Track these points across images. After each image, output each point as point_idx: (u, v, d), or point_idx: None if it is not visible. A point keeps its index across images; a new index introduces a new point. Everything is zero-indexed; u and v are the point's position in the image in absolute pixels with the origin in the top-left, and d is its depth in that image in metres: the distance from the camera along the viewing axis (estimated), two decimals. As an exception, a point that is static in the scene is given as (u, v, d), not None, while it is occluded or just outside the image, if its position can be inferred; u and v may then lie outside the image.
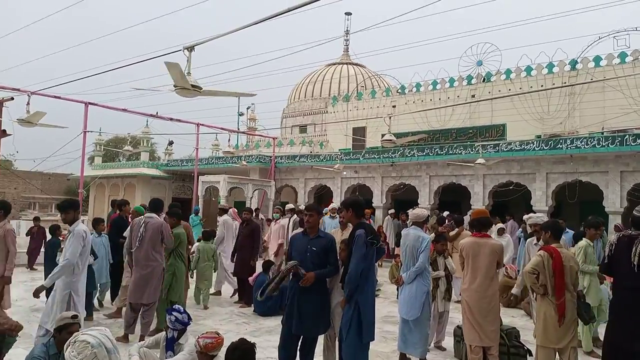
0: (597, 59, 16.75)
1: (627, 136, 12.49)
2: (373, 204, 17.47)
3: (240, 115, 32.73)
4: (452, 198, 17.44)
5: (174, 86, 5.15)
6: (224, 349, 3.63)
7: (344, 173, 18.11)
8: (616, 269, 4.39)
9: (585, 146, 13.04)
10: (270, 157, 19.99)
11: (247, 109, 32.70)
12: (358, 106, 22.90)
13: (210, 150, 27.20)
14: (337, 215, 9.31)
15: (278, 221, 10.91)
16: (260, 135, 25.38)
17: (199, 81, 5.55)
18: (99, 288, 7.66)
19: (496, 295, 5.00)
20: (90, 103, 14.72)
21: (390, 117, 9.43)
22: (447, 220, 9.20)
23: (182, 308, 4.31)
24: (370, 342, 4.27)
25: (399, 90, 22.03)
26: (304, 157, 19.53)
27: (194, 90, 5.19)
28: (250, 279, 8.07)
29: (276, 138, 22.52)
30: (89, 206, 25.29)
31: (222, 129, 19.46)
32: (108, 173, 23.85)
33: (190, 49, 5.26)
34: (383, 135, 10.96)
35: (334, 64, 29.71)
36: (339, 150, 20.31)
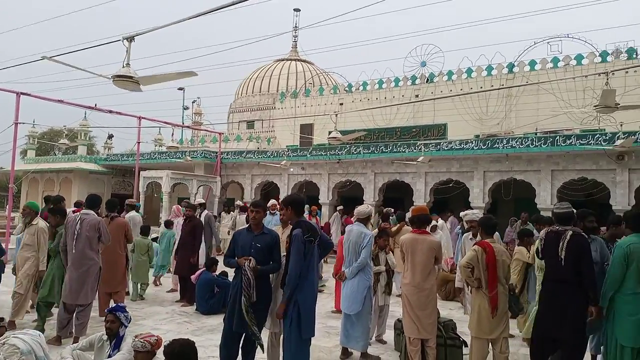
0: (532, 63, 17.68)
1: (558, 137, 13.27)
2: (320, 201, 17.58)
3: (185, 109, 32.01)
4: (396, 195, 17.86)
5: (113, 77, 4.94)
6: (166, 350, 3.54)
7: (291, 170, 18.11)
8: (547, 263, 4.68)
9: (520, 146, 13.74)
10: (216, 152, 19.65)
11: (193, 102, 32.00)
12: (306, 103, 22.94)
13: (153, 145, 26.39)
14: (277, 212, 9.34)
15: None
16: (206, 130, 24.89)
17: (140, 72, 5.37)
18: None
19: (434, 290, 5.18)
20: (22, 93, 13.85)
21: (336, 115, 9.53)
22: (390, 217, 9.43)
23: (125, 307, 4.20)
24: (313, 338, 4.31)
25: (347, 89, 22.27)
26: (251, 153, 19.35)
27: (134, 83, 5.00)
28: (193, 277, 7.91)
29: (222, 133, 22.16)
30: (20, 202, 23.85)
31: (165, 122, 18.89)
32: (42, 167, 22.58)
33: (130, 39, 5.07)
34: (330, 133, 11.07)
35: (283, 60, 29.58)
36: (287, 146, 20.27)
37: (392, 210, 11.04)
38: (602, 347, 4.82)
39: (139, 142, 18.28)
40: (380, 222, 9.49)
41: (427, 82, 19.92)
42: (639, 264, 4.22)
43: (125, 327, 4.08)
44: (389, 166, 16.43)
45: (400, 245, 5.30)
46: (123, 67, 5.26)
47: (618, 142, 11.32)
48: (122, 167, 22.34)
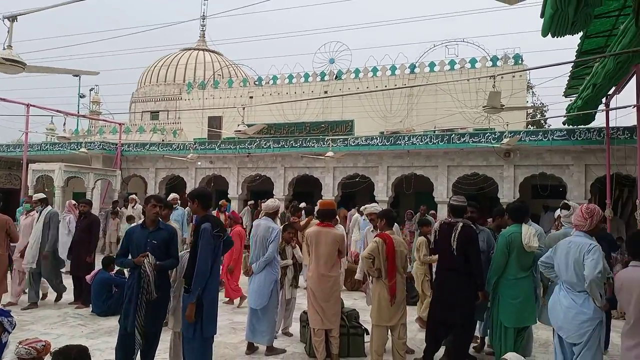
0: (432, 65, 18.78)
1: (453, 135, 14.25)
2: (229, 195, 17.30)
3: (81, 97, 29.80)
4: (306, 189, 18.08)
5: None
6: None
7: (199, 163, 17.61)
8: (440, 253, 5.03)
9: (420, 143, 14.55)
10: (116, 144, 18.52)
11: (90, 90, 29.89)
12: (214, 95, 22.39)
13: (44, 135, 24.22)
14: (177, 206, 9.08)
15: (30, 214, 8.16)
16: (104, 120, 23.31)
17: (30, 55, 4.91)
18: None
19: (338, 281, 5.34)
20: None
21: (244, 108, 9.41)
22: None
23: (9, 311, 3.83)
24: (219, 334, 4.24)
25: (256, 82, 22.09)
26: (155, 146, 18.50)
27: (15, 66, 4.56)
28: (88, 277, 7.41)
29: (123, 124, 20.91)
30: None
31: (57, 111, 17.40)
32: None
33: (12, 18, 4.61)
34: (239, 126, 10.92)
35: (190, 49, 28.58)
36: (194, 139, 19.66)
37: (305, 204, 11.18)
38: (488, 330, 5.29)
39: (27, 132, 16.69)
40: (290, 216, 9.56)
41: (335, 78, 20.37)
42: (519, 252, 4.67)
43: (9, 333, 3.73)
44: (299, 161, 16.59)
45: (306, 238, 5.40)
46: (4, 48, 4.79)
47: (505, 141, 12.40)
48: (8, 159, 20.25)
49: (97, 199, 16.93)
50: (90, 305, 7.28)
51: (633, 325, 3.32)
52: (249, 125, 11.18)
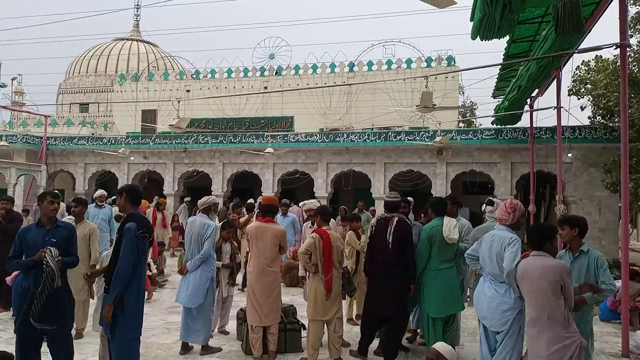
0: (370, 64, 19.15)
1: (390, 133, 14.64)
2: (164, 192, 16.78)
3: (2, 86, 27.69)
4: (245, 185, 17.90)
5: None
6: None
7: (132, 158, 16.94)
8: (376, 247, 5.12)
9: (358, 140, 14.83)
10: (41, 137, 17.40)
11: (13, 80, 27.80)
12: (149, 87, 21.59)
13: (-42, 127, 22.33)
14: (105, 204, 8.62)
15: None
16: (28, 112, 21.83)
17: None
18: None
19: (278, 277, 5.30)
20: None
21: (179, 101, 9.11)
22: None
23: None
24: (152, 335, 4.09)
25: (194, 75, 21.53)
26: (84, 140, 17.60)
27: None
28: (8, 279, 6.90)
29: (49, 116, 19.69)
30: None
31: (-26, 101, 16.11)
32: None
33: None
34: (174, 120, 10.58)
35: (123, 39, 27.39)
36: (127, 133, 18.86)
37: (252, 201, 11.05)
38: (421, 322, 5.48)
39: (-63, 123, 15.33)
40: (231, 212, 9.41)
41: (275, 74, 20.26)
42: (441, 244, 4.87)
43: None
44: (238, 156, 16.38)
45: (247, 233, 5.33)
46: None
47: (437, 139, 12.89)
48: None
49: (20, 196, 15.85)
50: (11, 308, 6.80)
51: (535, 313, 3.43)
52: (190, 122, 10.87)
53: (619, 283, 6.58)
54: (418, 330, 5.82)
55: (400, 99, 17.27)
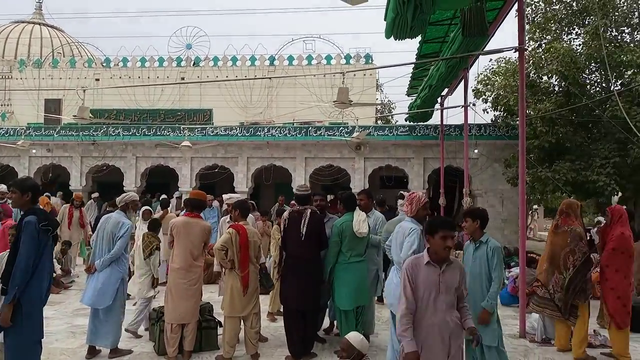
0: (291, 59, 19.14)
1: (310, 128, 14.77)
2: (71, 187, 15.67)
3: None
4: (161, 180, 17.19)
5: None
6: None
7: (33, 151, 15.64)
8: (289, 240, 5.11)
9: (279, 135, 14.80)
10: None
11: None
12: (53, 75, 20.01)
13: None
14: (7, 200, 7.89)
15: None
16: None
17: None
18: None
19: (200, 273, 5.15)
20: None
21: (84, 90, 8.50)
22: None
23: None
24: (56, 339, 3.79)
25: (104, 63, 20.28)
26: (-23, 130, 15.94)
27: None
28: None
29: None
30: None
31: None
32: None
33: None
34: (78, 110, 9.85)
35: (23, 22, 25.13)
36: (27, 124, 17.35)
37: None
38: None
39: None
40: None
41: (193, 65, 19.63)
42: (351, 238, 4.98)
43: None
44: (153, 150, 15.70)
45: (171, 228, 5.08)
46: None
47: (355, 134, 13.20)
48: None
49: None
50: None
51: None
52: (97, 112, 10.20)
53: (517, 269, 7.17)
54: (334, 322, 5.93)
55: (321, 95, 17.46)
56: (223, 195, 8.82)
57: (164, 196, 11.42)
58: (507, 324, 6.41)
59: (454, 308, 3.10)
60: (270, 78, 14.91)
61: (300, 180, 15.05)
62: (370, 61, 18.95)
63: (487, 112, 13.47)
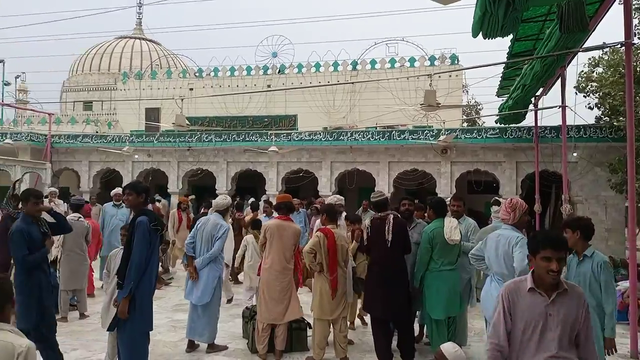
0: (373, 62, 19.12)
1: (394, 132, 14.61)
2: (169, 190, 16.81)
3: (6, 84, 27.76)
4: (249, 184, 17.90)
5: None
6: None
7: (136, 156, 16.96)
8: (373, 247, 5.07)
9: (362, 139, 14.81)
10: (46, 135, 17.46)
11: (16, 78, 27.96)
12: (152, 85, 21.62)
13: (-37, 125, 22.43)
14: (123, 204, 8.56)
15: None
16: (32, 110, 21.90)
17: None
18: None
19: (292, 275, 5.30)
20: None
21: (182, 99, 9.11)
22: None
23: None
24: (158, 333, 4.10)
25: (197, 73, 21.54)
26: (89, 138, 17.64)
27: None
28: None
29: (53, 114, 19.76)
30: None
31: (-21, 99, 16.17)
32: None
33: None
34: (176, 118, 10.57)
35: (126, 38, 27.43)
36: (130, 131, 18.90)
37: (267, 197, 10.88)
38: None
39: (-58, 121, 15.39)
40: (235, 212, 9.37)
41: (278, 72, 20.26)
42: (442, 246, 4.83)
43: None
44: (242, 155, 16.39)
45: (264, 230, 5.28)
46: None
47: (442, 138, 12.87)
48: None
49: (24, 194, 15.90)
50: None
51: None
52: (192, 119, 10.88)
53: (626, 283, 6.57)
54: (424, 331, 5.80)
55: (404, 98, 17.25)
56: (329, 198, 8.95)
57: (252, 199, 11.89)
58: (616, 342, 5.89)
59: (571, 351, 2.41)
60: (353, 83, 14.97)
61: (383, 184, 14.95)
62: (456, 62, 18.40)
63: (592, 109, 12.45)
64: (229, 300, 7.50)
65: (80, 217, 6.71)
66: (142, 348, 4.00)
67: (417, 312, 5.52)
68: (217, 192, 15.57)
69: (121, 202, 8.09)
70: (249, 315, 5.58)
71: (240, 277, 8.59)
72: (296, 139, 15.49)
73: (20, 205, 5.00)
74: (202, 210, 9.93)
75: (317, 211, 10.56)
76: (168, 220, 10.13)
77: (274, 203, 5.66)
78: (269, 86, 19.66)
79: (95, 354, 5.09)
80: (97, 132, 19.96)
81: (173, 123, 9.53)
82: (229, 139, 16.11)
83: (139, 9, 28.40)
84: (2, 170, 15.38)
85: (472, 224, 5.57)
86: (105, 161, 17.54)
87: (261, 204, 13.63)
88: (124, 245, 4.07)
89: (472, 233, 5.42)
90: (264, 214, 8.99)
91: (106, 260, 4.99)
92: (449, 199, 5.79)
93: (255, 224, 6.76)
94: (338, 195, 5.94)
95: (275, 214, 8.70)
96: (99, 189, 17.79)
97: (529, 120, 13.25)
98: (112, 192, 8.58)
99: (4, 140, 16.19)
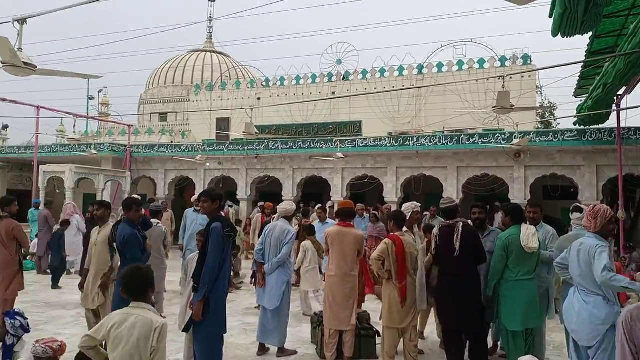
0: (440, 65, 18.71)
1: (463, 136, 14.19)
2: (238, 197, 17.36)
3: (90, 99, 30.03)
4: (314, 190, 18.10)
5: (2, 63, 4.53)
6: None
7: (207, 164, 17.67)
8: (441, 256, 4.94)
9: (429, 144, 14.50)
10: (125, 146, 18.64)
11: (99, 92, 30.12)
12: (222, 96, 22.47)
13: (54, 137, 24.47)
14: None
15: None
16: (113, 122, 23.50)
17: (38, 58, 4.97)
18: None
19: (356, 282, 5.30)
20: None
21: (252, 109, 9.42)
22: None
23: (24, 313, 3.88)
24: (230, 335, 4.25)
25: (264, 83, 22.13)
26: (164, 147, 18.59)
27: (27, 69, 4.62)
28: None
29: (132, 126, 21.07)
30: None
31: (67, 113, 17.54)
32: None
33: (22, 21, 4.67)
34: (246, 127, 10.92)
35: (197, 51, 28.72)
36: (202, 140, 19.73)
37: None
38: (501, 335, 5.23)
39: (37, 134, 16.88)
40: (302, 218, 9.52)
41: (343, 79, 20.36)
42: (519, 254, 4.60)
43: (14, 335, 3.75)
44: (307, 162, 16.60)
45: (326, 237, 5.35)
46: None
47: (515, 141, 12.31)
48: (19, 160, 20.45)
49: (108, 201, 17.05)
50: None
51: None
52: (260, 127, 11.18)
53: None
54: (498, 343, 5.57)
55: (473, 101, 16.73)
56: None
57: (319, 205, 12.01)
58: None
59: None
60: (419, 87, 14.72)
61: (452, 190, 14.55)
62: (528, 62, 17.61)
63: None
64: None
65: (158, 223, 7.08)
66: (217, 350, 4.15)
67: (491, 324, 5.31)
68: (283, 198, 15.86)
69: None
70: (317, 321, 5.63)
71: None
72: (361, 145, 15.45)
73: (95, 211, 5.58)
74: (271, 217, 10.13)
75: (376, 218, 10.53)
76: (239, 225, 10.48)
77: (341, 208, 5.68)
78: (333, 93, 19.82)
79: (172, 354, 5.33)
80: (171, 141, 21.04)
81: (243, 132, 9.85)
82: (294, 146, 16.38)
83: (210, 23, 29.71)
84: (87, 178, 16.59)
85: (550, 231, 5.29)
86: (179, 169, 18.42)
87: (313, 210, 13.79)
88: (200, 250, 4.25)
89: (551, 241, 5.15)
90: (318, 220, 9.08)
91: (183, 264, 5.27)
92: (525, 205, 5.54)
93: (310, 230, 6.82)
94: (415, 202, 5.84)
95: (328, 220, 8.83)
96: (174, 195, 18.70)
97: (610, 122, 12.37)
98: (193, 199, 8.97)
99: (89, 150, 17.47)
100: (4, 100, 15.07)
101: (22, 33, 4.70)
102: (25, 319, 3.82)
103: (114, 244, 4.94)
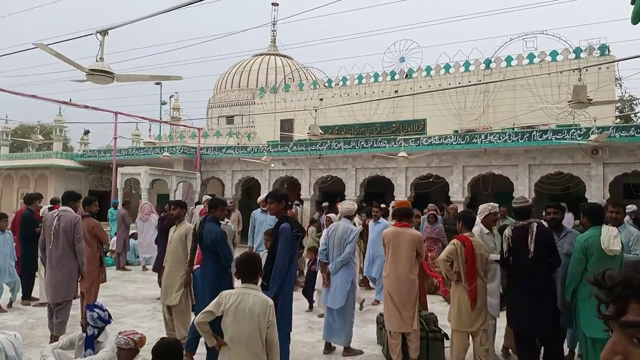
0: (509, 59, 17.93)
1: (535, 132, 13.51)
2: (301, 196, 17.59)
3: (162, 104, 31.57)
4: (377, 190, 17.96)
5: (86, 72, 4.88)
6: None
7: (272, 165, 18.05)
8: (514, 258, 4.72)
9: (498, 141, 13.95)
10: (196, 148, 19.46)
11: (171, 97, 31.58)
12: (286, 98, 22.87)
13: (130, 141, 26.01)
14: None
15: None
16: (184, 126, 24.60)
17: (116, 66, 5.31)
18: (3, 287, 7.21)
19: (415, 283, 5.21)
20: (-5, 88, 13.50)
21: (316, 110, 9.51)
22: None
23: (104, 305, 4.14)
24: (297, 333, 4.32)
25: (326, 84, 22.26)
26: (231, 149, 19.22)
27: (107, 77, 4.94)
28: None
29: (201, 129, 21.95)
30: (-6, 200, 23.24)
31: (142, 118, 18.60)
32: (16, 164, 22.02)
33: (104, 33, 5.00)
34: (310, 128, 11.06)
35: (261, 55, 29.39)
36: (267, 142, 20.19)
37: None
38: (577, 342, 4.94)
39: (115, 138, 18.01)
40: (365, 218, 9.50)
41: (406, 77, 20.04)
42: (599, 257, 4.30)
43: (94, 327, 4.00)
44: (370, 161, 16.51)
45: (383, 238, 5.32)
46: (97, 61, 5.19)
47: (592, 137, 11.57)
48: (99, 163, 21.96)
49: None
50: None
51: None
52: (322, 128, 11.27)
53: None
54: (575, 350, 5.27)
55: (545, 95, 15.88)
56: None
57: (382, 205, 11.91)
58: None
59: None
60: (487, 83, 14.18)
61: (523, 189, 13.91)
62: (606, 53, 16.46)
63: None
64: (360, 306, 7.58)
65: (227, 222, 7.33)
66: (284, 347, 4.23)
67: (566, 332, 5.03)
68: (346, 198, 15.87)
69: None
70: (383, 322, 5.58)
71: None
72: (425, 144, 15.14)
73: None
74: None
75: (435, 219, 10.26)
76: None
77: (397, 208, 5.58)
78: (396, 92, 19.55)
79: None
80: (238, 143, 21.68)
81: (308, 133, 9.97)
82: (357, 145, 16.34)
83: (273, 27, 30.29)
84: (161, 179, 17.48)
85: (634, 232, 4.93)
86: (245, 170, 18.97)
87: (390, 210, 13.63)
88: (269, 249, 4.36)
89: (635, 243, 4.80)
90: (372, 219, 9.00)
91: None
92: (606, 205, 5.19)
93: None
94: (493, 203, 5.66)
95: (381, 220, 8.71)
96: (240, 195, 19.28)
97: None
98: (259, 199, 9.22)
99: (162, 153, 18.40)
100: (86, 107, 16.22)
101: (103, 44, 5.04)
102: (104, 311, 4.05)
103: (203, 242, 5.13)
